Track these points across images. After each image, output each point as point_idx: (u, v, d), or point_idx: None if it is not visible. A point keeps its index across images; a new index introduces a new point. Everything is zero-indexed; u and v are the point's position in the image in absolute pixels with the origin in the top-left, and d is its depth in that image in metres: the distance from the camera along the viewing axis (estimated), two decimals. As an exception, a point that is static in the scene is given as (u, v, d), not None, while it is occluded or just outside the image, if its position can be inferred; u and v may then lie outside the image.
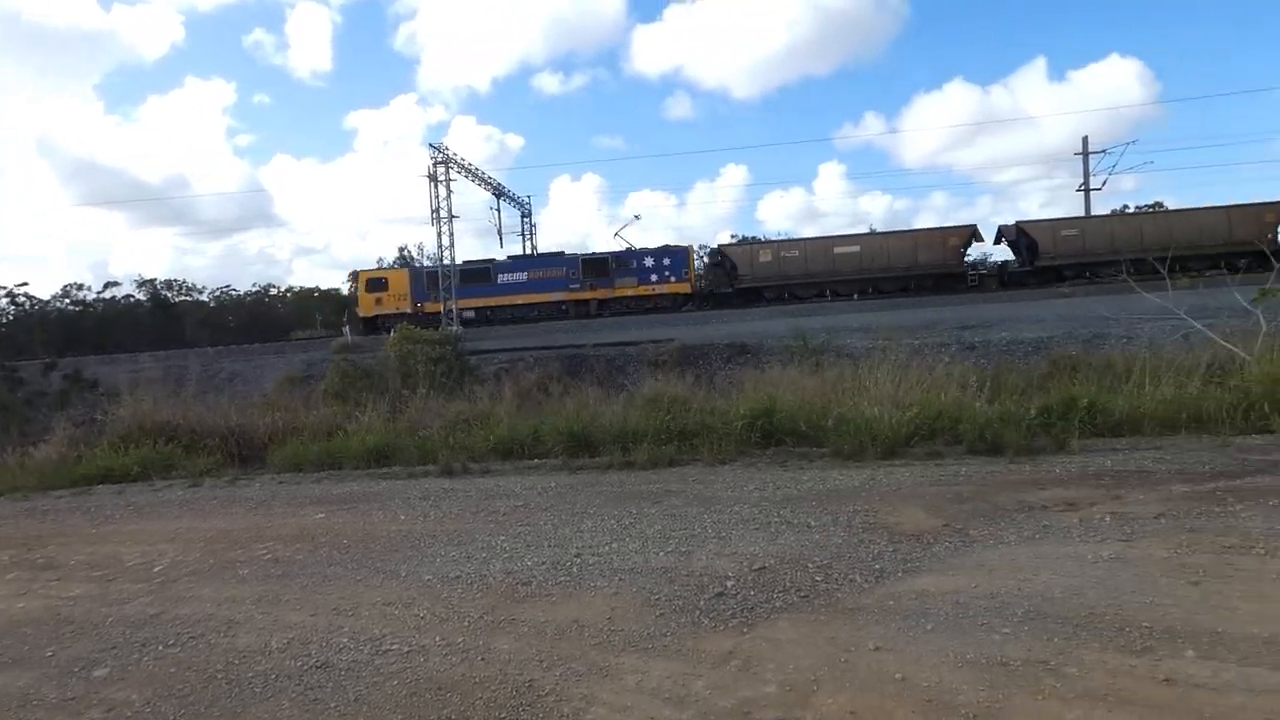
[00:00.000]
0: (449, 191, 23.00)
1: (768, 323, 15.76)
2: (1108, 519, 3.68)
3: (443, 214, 22.83)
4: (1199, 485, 4.05)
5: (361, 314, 25.33)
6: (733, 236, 43.43)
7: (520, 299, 24.67)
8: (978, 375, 6.83)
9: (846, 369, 7.26)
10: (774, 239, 30.58)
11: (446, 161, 23.66)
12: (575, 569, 3.40)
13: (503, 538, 3.93)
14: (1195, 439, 5.19)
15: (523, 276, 25.35)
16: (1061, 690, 2.18)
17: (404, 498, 5.04)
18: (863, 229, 31.20)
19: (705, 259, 30.17)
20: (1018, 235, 24.93)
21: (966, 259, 23.70)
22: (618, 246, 25.88)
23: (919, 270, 9.83)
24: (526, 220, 29.94)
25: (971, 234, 22.83)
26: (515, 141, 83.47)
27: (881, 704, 2.20)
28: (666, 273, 25.14)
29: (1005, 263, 25.93)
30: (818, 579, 3.14)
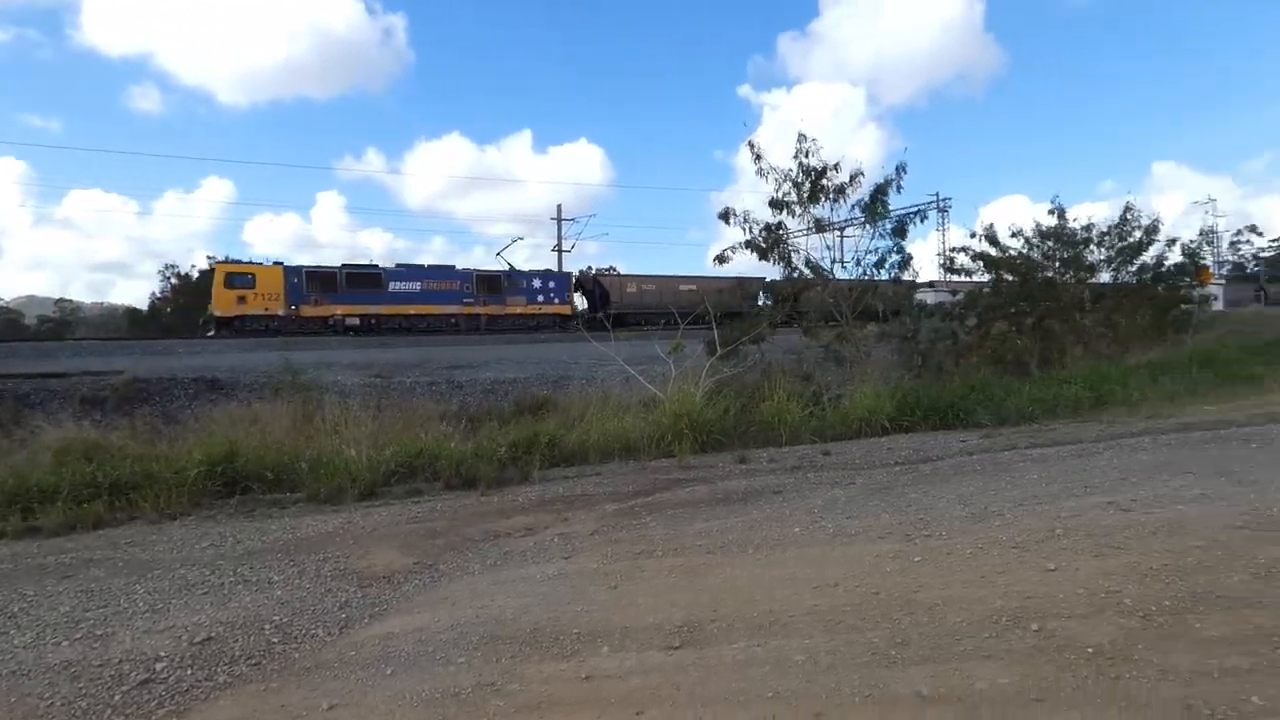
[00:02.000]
0: None
1: (249, 355, 17.27)
2: (556, 539, 5.19)
3: None
4: (624, 503, 6.13)
5: (217, 312, 28.42)
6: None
7: (412, 309, 30.11)
8: (459, 411, 8.95)
9: (332, 407, 8.43)
10: (637, 274, 37.13)
11: None
12: None
13: None
14: (625, 464, 7.86)
15: (416, 286, 31.16)
16: (505, 709, 3.00)
17: None
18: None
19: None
20: (594, 284, 35.81)
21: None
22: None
23: (732, 308, 14.66)
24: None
25: (764, 285, 30.19)
26: None
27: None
28: (551, 295, 33.25)
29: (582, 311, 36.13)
30: (274, 641, 3.64)
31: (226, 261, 31.08)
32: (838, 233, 14.51)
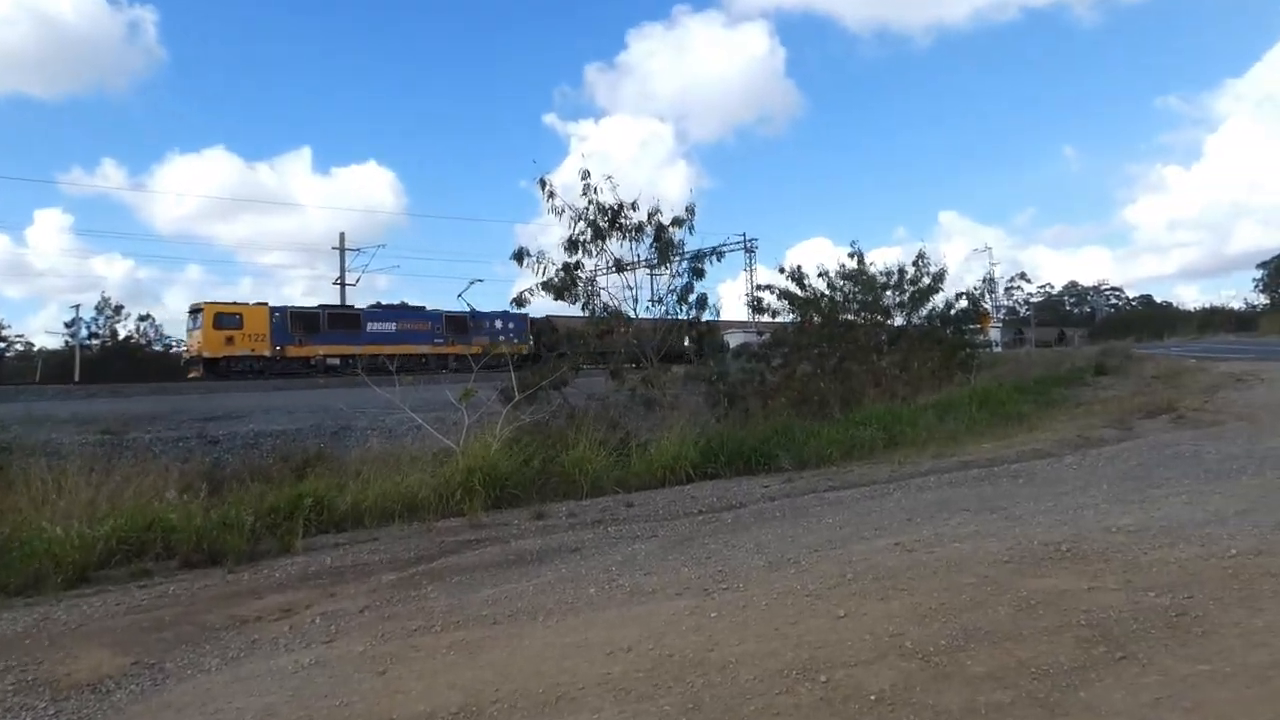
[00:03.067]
0: None
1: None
2: (318, 620, 4.84)
3: None
4: (403, 571, 5.87)
5: (205, 353, 30.96)
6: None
7: (389, 349, 32.90)
8: (210, 471, 8.11)
9: (38, 474, 7.59)
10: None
11: None
12: None
13: None
14: (407, 526, 7.56)
15: (391, 327, 36.28)
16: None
17: None
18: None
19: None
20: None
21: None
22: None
23: (665, 350, 14.09)
24: None
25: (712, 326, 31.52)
26: None
27: None
28: (512, 334, 36.86)
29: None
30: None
31: (215, 302, 33.15)
32: (646, 271, 15.10)
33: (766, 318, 19.55)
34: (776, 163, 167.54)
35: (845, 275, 19.52)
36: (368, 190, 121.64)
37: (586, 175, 13.34)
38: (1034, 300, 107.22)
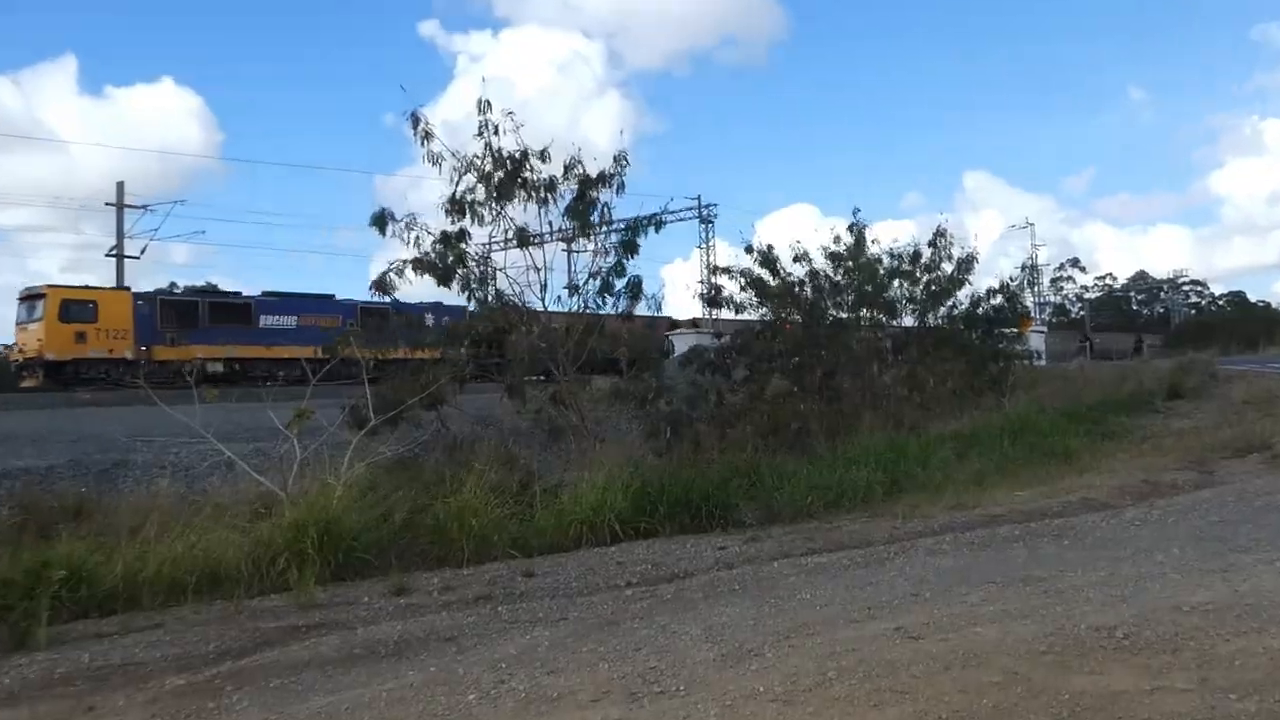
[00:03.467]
0: None
1: None
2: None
3: None
4: (197, 673, 5.73)
5: (49, 354, 31.33)
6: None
7: (286, 351, 34.28)
8: None
9: None
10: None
11: None
12: None
13: None
14: (206, 606, 7.40)
15: (291, 322, 37.15)
16: None
17: None
18: None
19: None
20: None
21: None
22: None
23: (586, 357, 14.77)
24: None
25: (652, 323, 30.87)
26: None
27: None
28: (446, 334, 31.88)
29: None
30: None
31: (61, 286, 34.18)
32: (561, 247, 15.18)
33: (727, 313, 19.82)
34: (746, 101, 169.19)
35: (836, 258, 19.85)
36: (160, 121, 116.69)
37: (483, 109, 13.31)
38: (1090, 296, 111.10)
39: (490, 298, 14.33)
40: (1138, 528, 9.18)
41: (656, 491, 10.73)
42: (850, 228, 20.10)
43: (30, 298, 33.78)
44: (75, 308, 32.75)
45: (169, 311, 34.98)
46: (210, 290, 38.73)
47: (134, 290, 35.20)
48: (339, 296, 39.35)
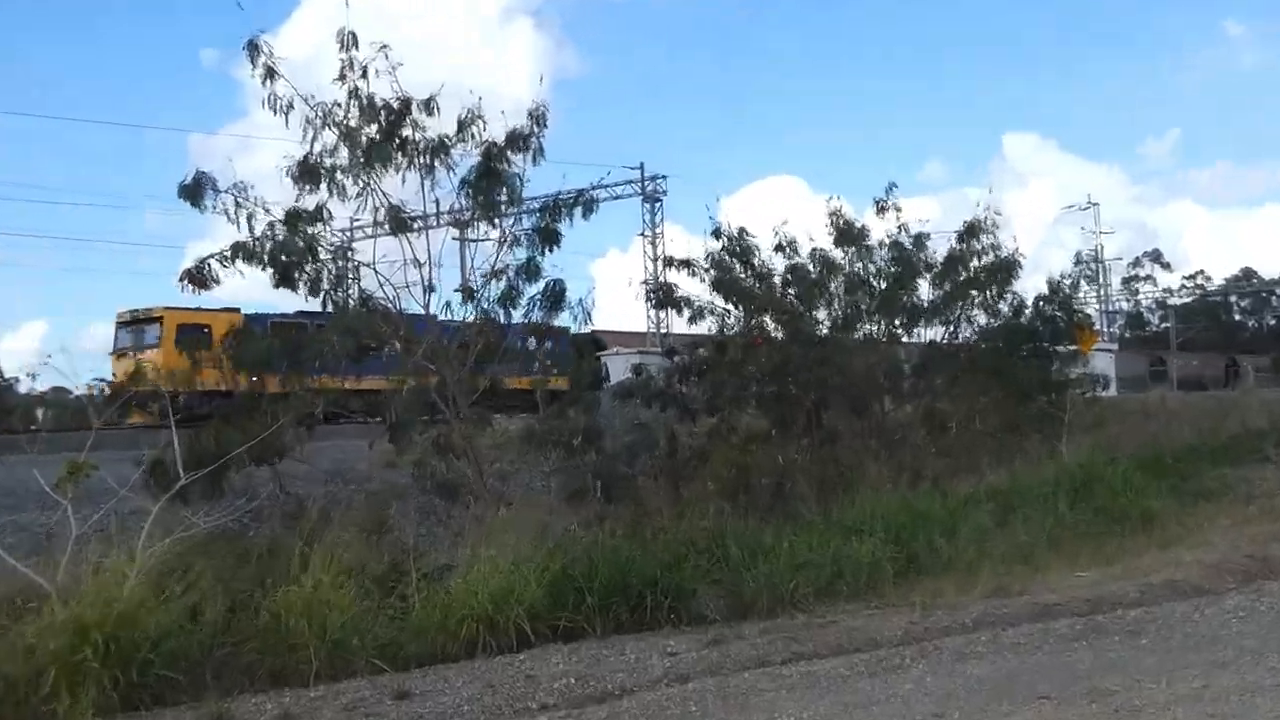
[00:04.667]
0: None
1: None
2: None
3: None
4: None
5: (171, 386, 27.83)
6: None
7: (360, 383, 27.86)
8: None
9: None
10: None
11: None
12: None
13: None
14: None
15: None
16: None
17: None
18: None
19: None
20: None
21: None
22: None
23: (489, 385, 15.12)
24: None
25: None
26: None
27: None
28: (549, 357, 28.88)
29: None
30: None
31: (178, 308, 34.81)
32: (453, 234, 15.12)
33: (681, 324, 19.80)
34: (706, 37, 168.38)
35: (847, 240, 19.90)
36: None
37: (346, 44, 13.15)
38: (1176, 301, 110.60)
39: (352, 302, 14.14)
40: (1241, 621, 9.23)
41: (584, 574, 10.61)
42: (880, 206, 20.26)
43: (138, 321, 36.09)
44: (190, 332, 34.24)
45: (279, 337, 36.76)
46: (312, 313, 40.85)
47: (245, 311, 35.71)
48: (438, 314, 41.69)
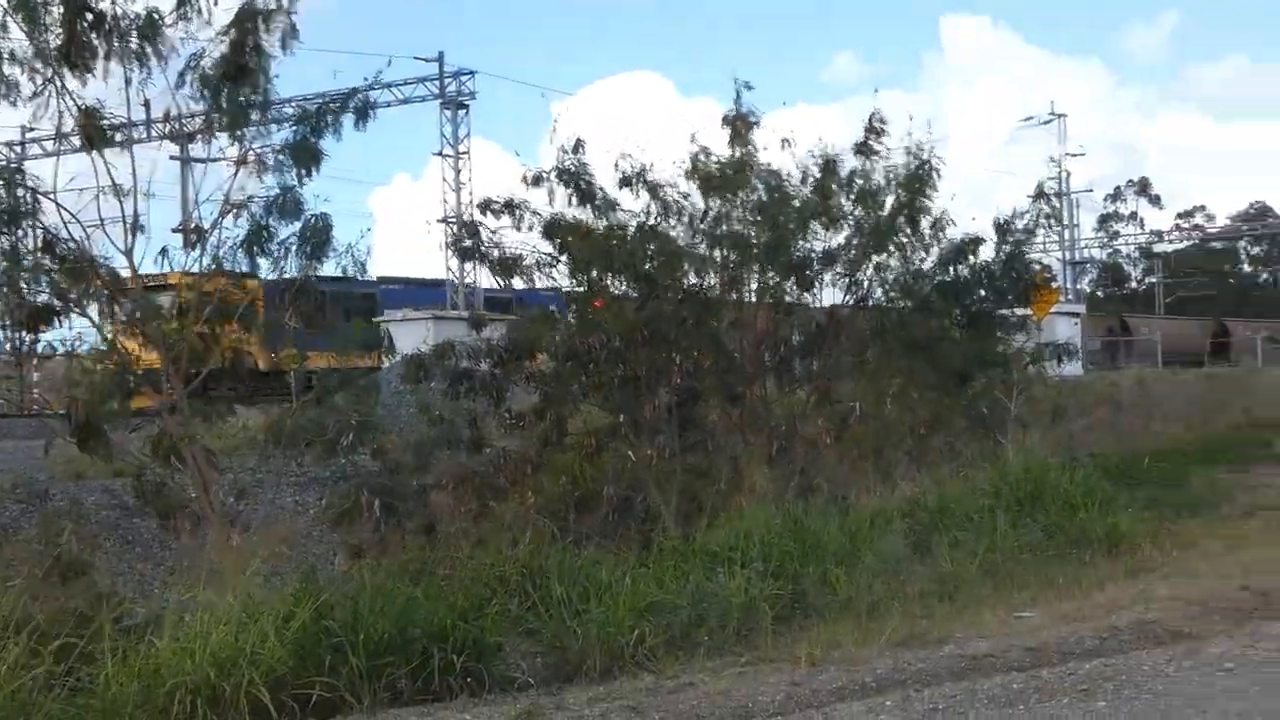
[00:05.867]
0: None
1: None
2: None
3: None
4: None
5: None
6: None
7: None
8: None
9: None
10: None
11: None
12: None
13: None
14: None
15: None
16: None
17: None
18: None
19: None
20: None
21: None
22: None
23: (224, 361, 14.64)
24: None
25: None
26: None
27: None
28: None
29: None
30: None
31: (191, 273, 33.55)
32: (170, 152, 14.88)
33: (487, 278, 19.67)
34: None
35: (705, 176, 19.78)
36: None
37: None
38: (1167, 247, 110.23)
39: (30, 248, 13.76)
40: (1230, 677, 9.35)
41: (346, 626, 10.41)
42: (729, 122, 20.10)
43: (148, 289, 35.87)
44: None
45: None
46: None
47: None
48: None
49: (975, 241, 22.17)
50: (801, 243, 20.11)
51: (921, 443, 19.56)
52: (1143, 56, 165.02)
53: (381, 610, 10.79)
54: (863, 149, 20.87)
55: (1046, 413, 24.29)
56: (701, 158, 19.55)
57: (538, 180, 18.67)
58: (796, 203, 20.04)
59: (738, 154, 19.84)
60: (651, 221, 19.26)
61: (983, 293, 22.16)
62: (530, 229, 18.65)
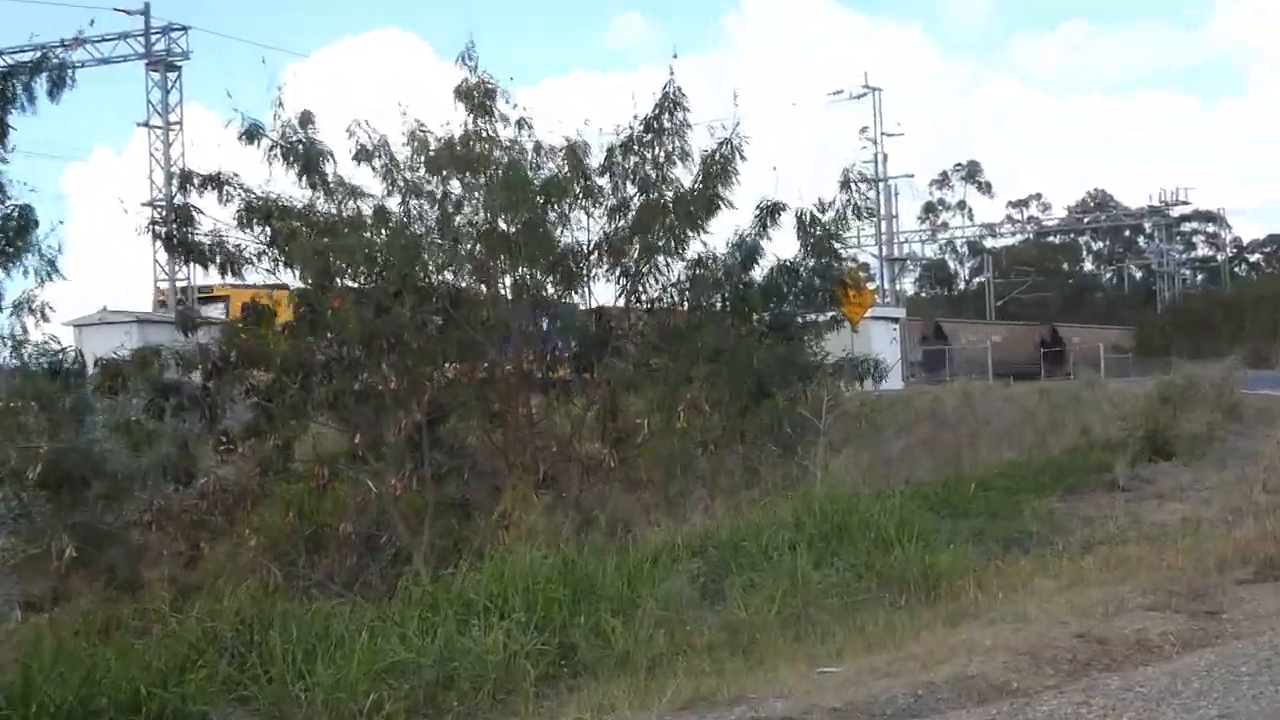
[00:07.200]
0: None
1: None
2: None
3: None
4: None
5: None
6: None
7: None
8: None
9: None
10: None
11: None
12: None
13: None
14: None
15: None
16: None
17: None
18: None
19: None
20: None
21: None
22: None
23: None
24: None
25: None
26: None
27: None
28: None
29: None
30: None
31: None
32: None
33: (202, 273, 19.41)
34: None
35: (430, 155, 19.70)
36: None
37: None
38: (998, 242, 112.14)
39: None
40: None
41: (16, 695, 10.12)
42: (470, 92, 20.04)
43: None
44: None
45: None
46: None
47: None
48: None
49: (775, 209, 22.19)
50: (563, 233, 20.08)
51: (716, 465, 19.55)
52: (970, 21, 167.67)
53: (61, 676, 10.46)
54: (652, 124, 20.87)
55: (860, 433, 24.44)
56: (419, 131, 19.41)
57: (252, 136, 18.34)
58: (536, 183, 19.91)
59: (477, 127, 19.71)
60: (395, 205, 19.12)
61: (785, 290, 22.20)
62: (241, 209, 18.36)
